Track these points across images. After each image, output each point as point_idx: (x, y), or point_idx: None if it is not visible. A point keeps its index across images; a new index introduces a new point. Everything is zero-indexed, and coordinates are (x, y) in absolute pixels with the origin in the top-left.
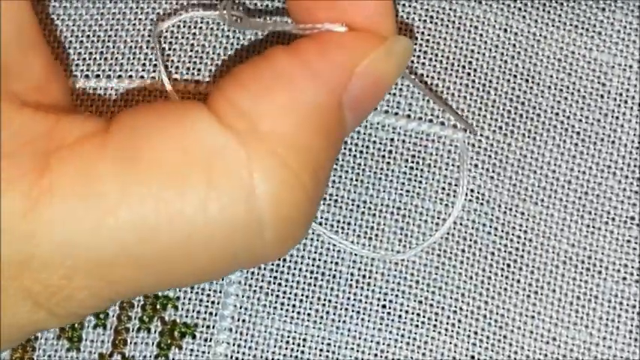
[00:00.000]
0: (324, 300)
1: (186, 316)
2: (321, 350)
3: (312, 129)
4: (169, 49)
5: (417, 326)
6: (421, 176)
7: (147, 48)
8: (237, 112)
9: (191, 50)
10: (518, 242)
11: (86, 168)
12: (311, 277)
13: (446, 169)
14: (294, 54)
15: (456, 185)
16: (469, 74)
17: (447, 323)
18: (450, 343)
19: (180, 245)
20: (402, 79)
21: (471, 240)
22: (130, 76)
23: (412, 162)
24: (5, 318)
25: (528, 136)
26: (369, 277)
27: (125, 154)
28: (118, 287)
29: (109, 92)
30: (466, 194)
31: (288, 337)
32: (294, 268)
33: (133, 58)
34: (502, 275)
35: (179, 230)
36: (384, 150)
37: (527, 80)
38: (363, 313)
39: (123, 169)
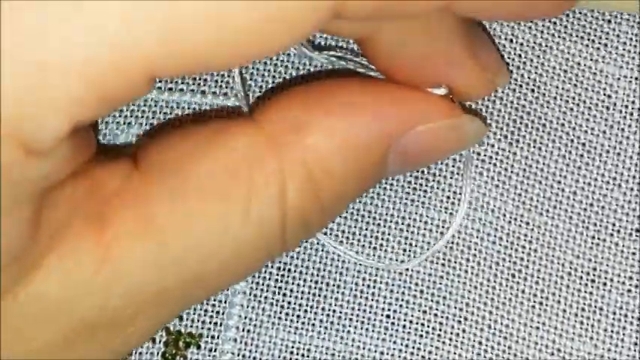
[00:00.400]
0: (329, 310)
1: (191, 327)
2: None
3: (351, 159)
4: None
5: (421, 336)
6: (426, 185)
7: None
8: (287, 117)
9: None
10: (522, 252)
11: (139, 210)
12: (315, 288)
13: (450, 178)
14: (371, 88)
15: (460, 194)
16: None
17: (452, 333)
18: (455, 353)
19: (230, 258)
20: None
21: (475, 249)
22: None
23: (417, 171)
24: None
25: (533, 146)
26: (374, 287)
27: (170, 185)
28: (176, 308)
29: None
30: (470, 203)
31: (293, 347)
32: (299, 279)
33: None
34: (506, 285)
35: (229, 245)
36: None
37: (532, 90)
38: (368, 323)
39: (172, 202)
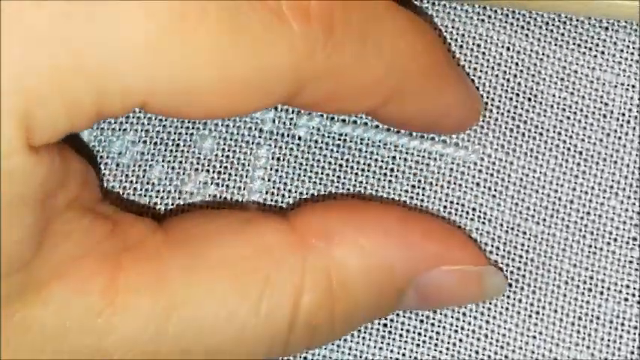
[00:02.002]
0: None
1: None
2: None
3: (372, 282)
4: None
5: (417, 345)
6: (423, 194)
7: None
8: (320, 224)
9: None
10: (519, 262)
11: (156, 267)
12: None
13: (448, 188)
14: (406, 216)
15: (457, 204)
16: None
17: (448, 342)
18: None
19: (230, 343)
20: None
21: None
22: None
23: (414, 180)
24: None
25: (530, 155)
26: None
27: (192, 255)
28: None
29: None
30: (467, 213)
31: (289, 355)
32: None
33: None
34: (503, 294)
35: (232, 329)
36: (386, 168)
37: (529, 99)
38: (364, 332)
39: (190, 271)
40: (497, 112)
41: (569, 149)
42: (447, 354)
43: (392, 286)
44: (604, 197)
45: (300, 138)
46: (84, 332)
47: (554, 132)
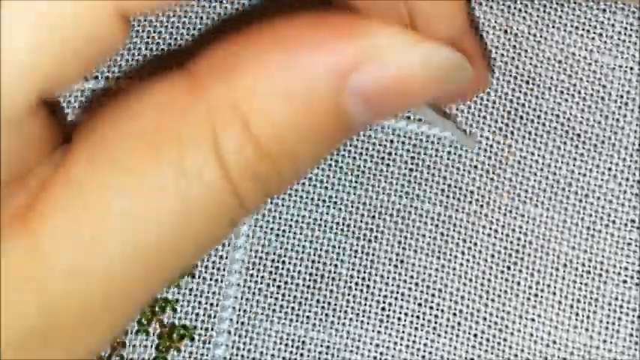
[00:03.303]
0: (324, 302)
1: (185, 319)
2: (320, 353)
3: (295, 103)
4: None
5: (416, 328)
6: (421, 178)
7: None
8: (215, 58)
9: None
10: (518, 244)
11: (60, 177)
12: (310, 280)
13: (445, 171)
14: (313, 20)
15: (455, 187)
16: None
17: (447, 325)
18: (450, 345)
19: (174, 220)
20: None
21: (470, 242)
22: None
23: (412, 164)
24: None
25: (529, 138)
26: (369, 280)
27: (89, 148)
28: (138, 291)
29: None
30: (465, 196)
31: (287, 339)
32: (294, 271)
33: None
34: (502, 278)
35: (168, 205)
36: (384, 152)
37: (527, 82)
38: (363, 316)
39: (92, 163)
40: (496, 95)
41: (567, 132)
42: (445, 337)
43: (320, 102)
44: (602, 179)
45: None
46: (19, 280)
47: (552, 115)
